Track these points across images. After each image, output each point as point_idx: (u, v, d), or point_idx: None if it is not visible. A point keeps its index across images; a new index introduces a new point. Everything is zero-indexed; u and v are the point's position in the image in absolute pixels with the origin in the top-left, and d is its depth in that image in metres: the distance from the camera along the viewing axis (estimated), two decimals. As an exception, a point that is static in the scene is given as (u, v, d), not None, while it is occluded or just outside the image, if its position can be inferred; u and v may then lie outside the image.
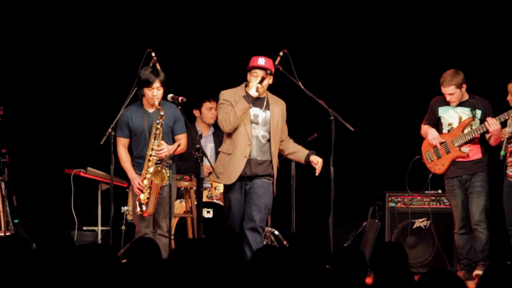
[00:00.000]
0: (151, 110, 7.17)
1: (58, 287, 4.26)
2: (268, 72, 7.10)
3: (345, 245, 8.49)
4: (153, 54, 7.67)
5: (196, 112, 8.84)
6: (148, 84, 7.06)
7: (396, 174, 9.26)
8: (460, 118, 7.66)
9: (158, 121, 7.05)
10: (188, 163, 8.27)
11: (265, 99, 7.21)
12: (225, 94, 7.19)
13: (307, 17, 9.48)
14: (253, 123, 7.13)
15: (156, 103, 7.04)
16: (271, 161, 7.16)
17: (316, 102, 7.62)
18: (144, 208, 7.07)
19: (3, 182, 8.18)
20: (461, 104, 7.69)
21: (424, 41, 9.31)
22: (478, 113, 7.66)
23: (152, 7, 9.39)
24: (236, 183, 7.09)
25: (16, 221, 8.26)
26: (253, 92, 7.06)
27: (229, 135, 7.16)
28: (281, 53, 7.61)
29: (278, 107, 7.22)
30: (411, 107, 9.27)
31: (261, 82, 7.07)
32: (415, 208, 8.27)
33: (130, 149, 7.27)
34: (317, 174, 7.19)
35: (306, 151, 7.28)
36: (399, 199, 8.32)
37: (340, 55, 9.50)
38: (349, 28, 9.46)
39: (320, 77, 9.25)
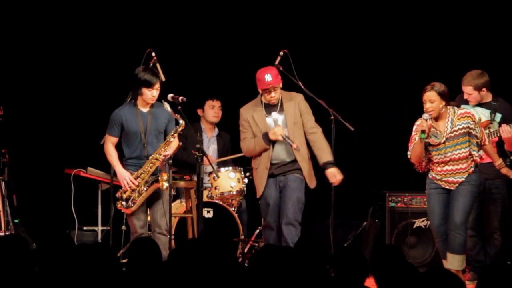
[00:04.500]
0: (145, 110, 7.18)
1: (58, 287, 4.26)
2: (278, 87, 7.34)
3: (345, 245, 8.49)
4: (153, 54, 7.69)
5: (199, 111, 8.88)
6: (150, 85, 7.07)
7: (396, 174, 9.26)
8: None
9: (177, 130, 7.08)
10: (189, 152, 8.22)
11: (279, 101, 7.40)
12: (243, 113, 7.45)
13: (307, 17, 9.48)
14: (276, 126, 7.35)
15: (168, 110, 7.07)
16: (295, 160, 7.36)
17: (316, 102, 7.63)
18: (131, 204, 7.08)
19: (3, 182, 8.18)
20: (482, 105, 7.56)
21: (424, 41, 9.30)
22: (498, 116, 7.52)
23: (152, 7, 9.40)
24: (269, 180, 7.34)
25: (16, 221, 8.26)
26: (272, 137, 7.30)
27: None
28: (281, 53, 7.63)
29: (291, 103, 7.39)
30: (411, 107, 9.26)
31: (285, 137, 7.27)
32: (415, 208, 8.26)
33: (120, 149, 7.26)
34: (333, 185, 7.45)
35: (327, 158, 7.39)
36: (399, 199, 8.32)
37: (340, 55, 9.50)
38: (349, 28, 9.46)
39: (320, 77, 9.25)
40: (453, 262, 7.08)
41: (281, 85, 7.35)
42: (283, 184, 7.36)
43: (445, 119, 7.06)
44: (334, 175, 7.39)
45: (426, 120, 7.02)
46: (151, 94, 7.09)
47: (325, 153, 7.38)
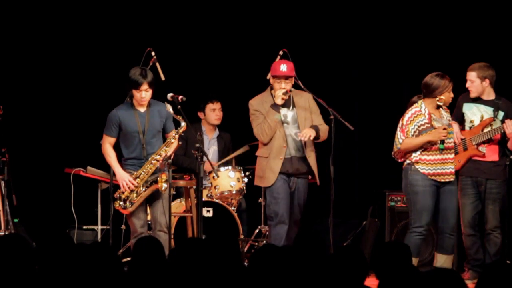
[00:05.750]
0: (142, 110, 7.15)
1: (58, 286, 4.26)
2: (290, 79, 7.36)
3: (344, 244, 8.49)
4: (153, 54, 7.68)
5: (200, 114, 8.86)
6: (137, 86, 7.01)
7: (395, 174, 9.26)
8: (482, 117, 7.54)
9: (178, 132, 7.06)
10: (191, 159, 8.25)
11: (290, 97, 7.44)
12: (254, 104, 7.45)
13: (307, 17, 9.47)
14: (284, 123, 7.41)
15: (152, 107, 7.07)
16: (305, 157, 7.41)
17: (316, 101, 7.62)
18: (129, 205, 7.07)
19: (3, 181, 8.18)
20: (485, 102, 7.59)
21: (425, 40, 9.30)
22: (501, 114, 7.55)
23: (152, 7, 9.39)
24: (281, 179, 7.36)
25: (16, 220, 8.26)
26: (279, 102, 7.34)
27: None
28: (281, 53, 7.64)
29: (303, 101, 7.47)
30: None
31: (285, 93, 7.33)
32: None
33: (118, 149, 7.25)
34: (298, 135, 7.37)
35: (315, 123, 7.47)
36: (398, 198, 8.32)
37: (339, 55, 9.50)
38: (349, 27, 9.46)
39: (320, 76, 9.24)
40: (447, 263, 7.16)
41: (293, 81, 7.37)
42: (294, 188, 7.44)
43: (440, 108, 7.14)
44: (308, 131, 7.35)
45: (446, 127, 7.08)
46: (139, 95, 7.03)
47: (317, 124, 7.44)
